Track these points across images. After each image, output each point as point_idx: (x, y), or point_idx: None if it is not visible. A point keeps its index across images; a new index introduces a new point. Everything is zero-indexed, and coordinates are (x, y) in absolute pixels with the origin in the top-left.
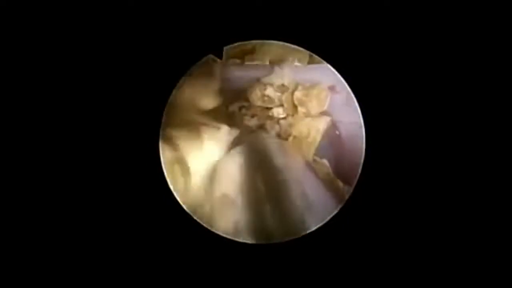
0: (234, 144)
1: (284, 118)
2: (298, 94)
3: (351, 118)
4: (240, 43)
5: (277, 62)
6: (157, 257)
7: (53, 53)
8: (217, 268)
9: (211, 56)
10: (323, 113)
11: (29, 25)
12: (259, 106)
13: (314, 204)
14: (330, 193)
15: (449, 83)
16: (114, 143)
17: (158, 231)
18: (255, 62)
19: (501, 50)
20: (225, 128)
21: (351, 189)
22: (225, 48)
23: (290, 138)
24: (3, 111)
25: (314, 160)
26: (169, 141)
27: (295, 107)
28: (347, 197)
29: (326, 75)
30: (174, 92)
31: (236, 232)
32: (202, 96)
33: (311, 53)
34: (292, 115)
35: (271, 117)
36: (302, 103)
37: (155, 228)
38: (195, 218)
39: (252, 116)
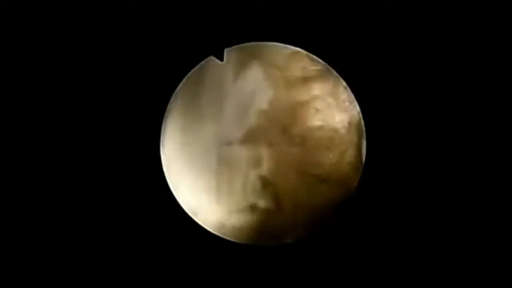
0: None
1: None
2: None
3: None
4: (241, 44)
5: None
6: (156, 258)
7: (53, 53)
8: (217, 270)
9: (212, 58)
10: None
11: (29, 25)
12: None
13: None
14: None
15: (450, 83)
16: (114, 145)
17: (157, 229)
18: None
19: (501, 50)
20: None
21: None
22: (226, 49)
23: None
24: (3, 111)
25: None
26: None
27: None
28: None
29: None
30: (174, 94)
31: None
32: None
33: (311, 54)
34: None
35: None
36: None
37: (154, 226)
38: (196, 220)
39: None
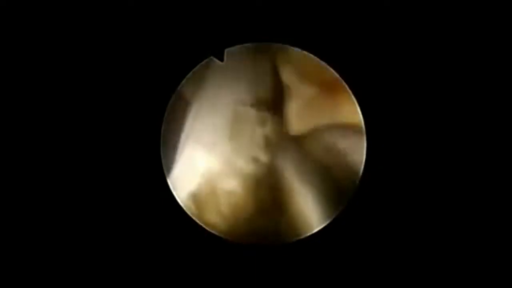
0: None
1: None
2: None
3: None
4: (241, 45)
5: None
6: (155, 257)
7: (53, 53)
8: (217, 271)
9: (212, 58)
10: None
11: (29, 25)
12: None
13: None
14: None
15: (451, 84)
16: (114, 144)
17: (157, 229)
18: None
19: (501, 50)
20: None
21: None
22: (226, 50)
23: None
24: (3, 112)
25: None
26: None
27: None
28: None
29: None
30: (174, 95)
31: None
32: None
33: (311, 54)
34: None
35: None
36: None
37: (153, 225)
38: (194, 219)
39: None
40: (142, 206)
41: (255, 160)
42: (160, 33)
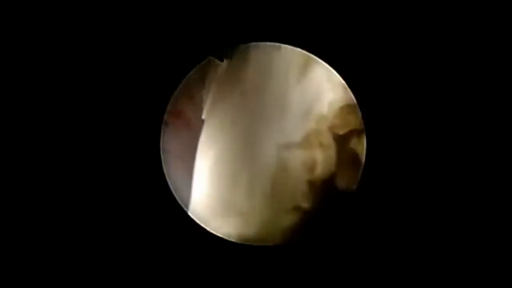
0: None
1: None
2: None
3: None
4: (242, 44)
5: None
6: (156, 258)
7: (53, 53)
8: (217, 271)
9: (211, 58)
10: None
11: (29, 25)
12: None
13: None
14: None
15: (450, 84)
16: (115, 146)
17: (157, 229)
18: None
19: (501, 50)
20: None
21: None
22: (226, 49)
23: None
24: (3, 111)
25: None
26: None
27: None
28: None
29: None
30: (174, 94)
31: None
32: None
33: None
34: None
35: None
36: None
37: (154, 225)
38: (194, 219)
39: None
40: (144, 207)
41: (296, 208)
42: (160, 33)
